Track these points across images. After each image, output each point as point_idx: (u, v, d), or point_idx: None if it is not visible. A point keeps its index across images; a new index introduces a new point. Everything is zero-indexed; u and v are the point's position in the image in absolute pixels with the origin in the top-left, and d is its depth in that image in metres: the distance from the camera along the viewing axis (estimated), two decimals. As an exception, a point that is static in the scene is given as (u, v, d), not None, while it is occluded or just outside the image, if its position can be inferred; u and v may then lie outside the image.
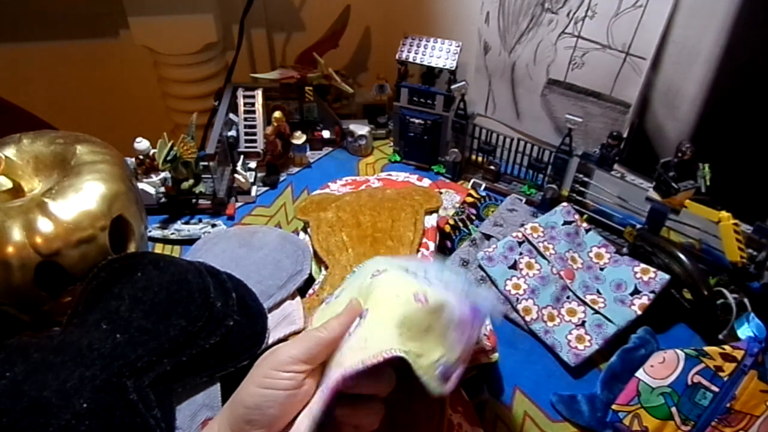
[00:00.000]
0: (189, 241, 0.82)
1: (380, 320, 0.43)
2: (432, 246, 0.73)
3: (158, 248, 0.82)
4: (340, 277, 0.68)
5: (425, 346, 0.43)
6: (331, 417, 0.43)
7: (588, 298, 0.71)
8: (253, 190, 0.92)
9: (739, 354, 0.59)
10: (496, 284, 0.74)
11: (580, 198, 0.86)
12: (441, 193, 0.87)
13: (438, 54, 0.91)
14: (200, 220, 0.86)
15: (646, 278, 0.71)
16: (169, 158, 0.81)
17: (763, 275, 0.70)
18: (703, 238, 0.77)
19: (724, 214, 0.68)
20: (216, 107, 0.97)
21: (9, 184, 0.62)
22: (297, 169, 0.99)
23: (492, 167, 0.93)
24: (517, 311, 0.72)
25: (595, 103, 0.86)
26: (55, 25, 1.08)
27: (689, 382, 0.58)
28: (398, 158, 1.00)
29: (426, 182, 0.86)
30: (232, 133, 0.95)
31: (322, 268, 0.71)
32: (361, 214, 0.75)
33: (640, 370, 0.61)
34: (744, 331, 0.65)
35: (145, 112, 1.15)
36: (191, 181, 0.86)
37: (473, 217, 0.84)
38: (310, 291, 0.68)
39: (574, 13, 0.82)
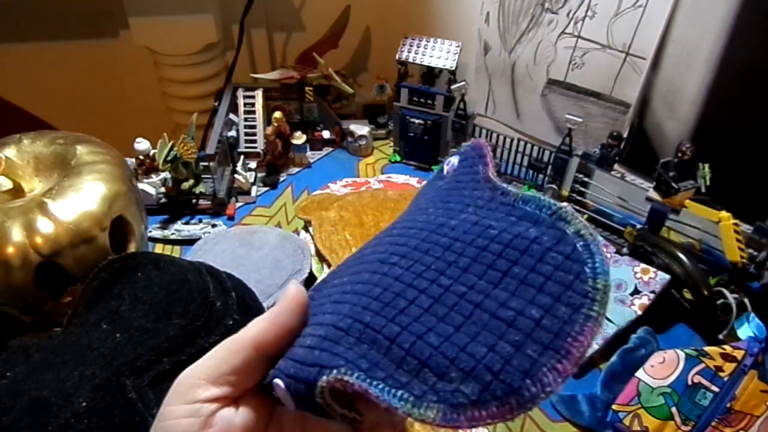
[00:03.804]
0: (189, 242, 0.82)
1: None
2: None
3: (158, 248, 0.82)
4: None
5: None
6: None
7: (588, 298, 0.71)
8: (253, 191, 0.92)
9: (739, 354, 0.59)
10: (496, 284, 0.74)
11: (580, 198, 0.86)
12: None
13: (438, 54, 0.91)
14: (200, 221, 0.86)
15: (646, 278, 0.71)
16: (169, 158, 0.81)
17: (763, 275, 0.70)
18: (703, 238, 0.77)
19: (724, 214, 0.68)
20: (216, 107, 0.97)
21: (9, 185, 0.62)
22: (297, 170, 0.99)
23: (492, 167, 0.93)
24: (517, 311, 0.72)
25: (595, 103, 0.86)
26: (55, 25, 1.08)
27: (689, 382, 0.58)
28: (398, 158, 1.00)
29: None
30: (232, 133, 0.95)
31: (325, 266, 0.71)
32: (364, 213, 0.75)
33: (640, 370, 0.61)
34: (744, 331, 0.65)
35: (145, 112, 1.15)
36: (191, 182, 0.86)
37: (473, 217, 0.84)
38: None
39: (574, 13, 0.82)
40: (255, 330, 0.30)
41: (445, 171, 0.37)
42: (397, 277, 0.27)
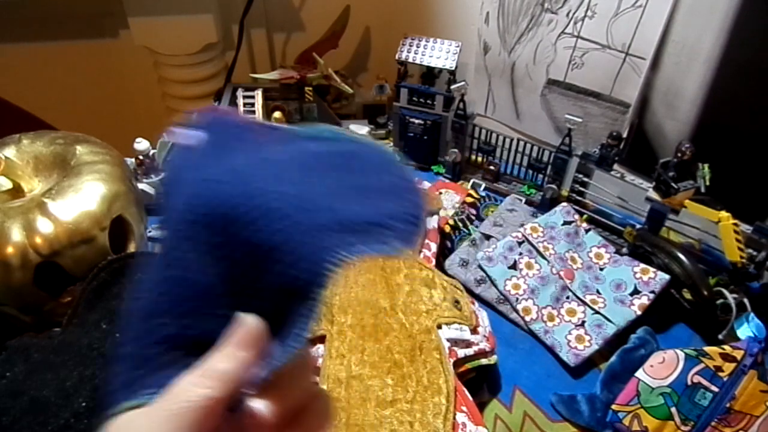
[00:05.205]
0: (189, 241, 0.82)
1: None
2: (434, 247, 0.73)
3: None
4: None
5: None
6: None
7: (588, 298, 0.71)
8: (253, 190, 0.92)
9: (738, 354, 0.59)
10: (496, 284, 0.74)
11: (579, 198, 0.86)
12: (441, 193, 0.87)
13: (438, 54, 0.91)
14: (200, 220, 0.86)
15: (645, 278, 0.71)
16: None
17: (762, 275, 0.70)
18: (703, 238, 0.77)
19: (723, 214, 0.68)
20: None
21: (9, 185, 0.62)
22: (297, 169, 0.99)
23: (492, 167, 0.93)
24: (516, 311, 0.72)
25: (595, 103, 0.86)
26: (55, 25, 1.08)
27: (689, 382, 0.58)
28: (398, 158, 1.00)
29: (425, 185, 0.86)
30: (232, 133, 0.95)
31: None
32: (362, 213, 0.75)
33: (640, 370, 0.61)
34: (744, 331, 0.65)
35: (145, 112, 1.15)
36: (191, 181, 0.86)
37: (473, 218, 0.84)
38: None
39: (574, 13, 0.82)
40: (201, 395, 0.23)
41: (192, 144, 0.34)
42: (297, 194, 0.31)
